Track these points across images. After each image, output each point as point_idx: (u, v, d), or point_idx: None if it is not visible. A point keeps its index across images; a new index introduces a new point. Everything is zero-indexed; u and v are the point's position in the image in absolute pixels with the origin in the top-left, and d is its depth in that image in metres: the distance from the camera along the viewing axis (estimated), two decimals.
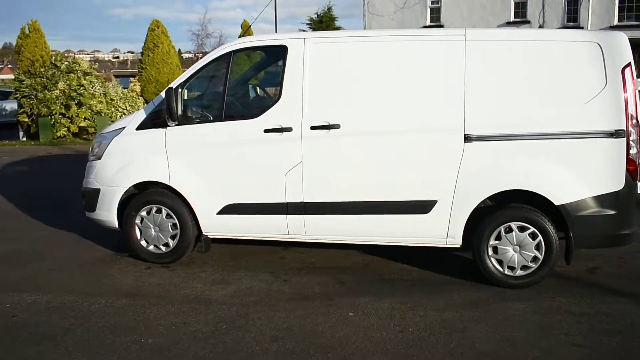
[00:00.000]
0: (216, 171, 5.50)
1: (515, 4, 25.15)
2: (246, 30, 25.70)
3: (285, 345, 4.09)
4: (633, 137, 4.84)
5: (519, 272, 5.06)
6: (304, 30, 46.31)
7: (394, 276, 5.46)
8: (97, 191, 5.86)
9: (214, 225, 5.61)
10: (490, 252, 5.09)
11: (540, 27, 23.55)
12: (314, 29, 45.69)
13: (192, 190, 5.55)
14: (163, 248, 5.73)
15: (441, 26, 26.81)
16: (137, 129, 5.71)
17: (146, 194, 5.70)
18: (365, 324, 4.43)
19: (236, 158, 5.44)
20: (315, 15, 45.36)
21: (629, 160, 4.85)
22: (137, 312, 4.64)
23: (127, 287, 5.21)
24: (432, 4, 27.76)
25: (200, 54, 41.77)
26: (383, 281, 5.34)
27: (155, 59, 19.16)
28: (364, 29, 29.38)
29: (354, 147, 5.20)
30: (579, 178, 4.89)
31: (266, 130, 5.32)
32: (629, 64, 4.84)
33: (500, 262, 5.09)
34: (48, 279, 5.44)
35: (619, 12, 22.87)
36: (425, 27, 27.25)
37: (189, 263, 5.76)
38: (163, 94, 5.59)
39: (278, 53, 5.42)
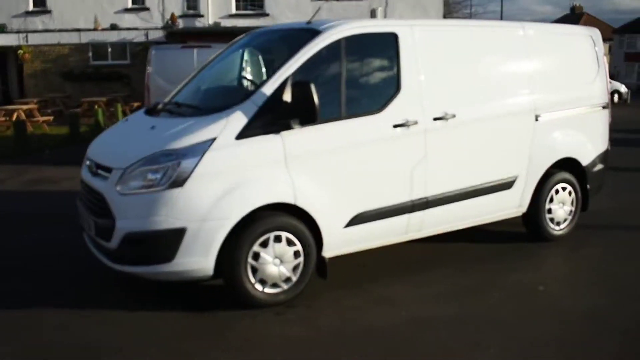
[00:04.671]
0: (343, 178, 4.69)
1: None
2: None
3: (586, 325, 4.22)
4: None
5: (562, 225, 6.14)
6: None
7: (465, 256, 5.71)
8: (181, 232, 4.17)
9: (338, 242, 4.78)
10: (547, 213, 5.99)
11: (171, 17, 23.72)
12: None
13: (318, 206, 4.58)
14: (284, 285, 4.53)
15: (48, 12, 24.02)
16: (238, 137, 4.30)
17: (264, 221, 4.37)
18: (570, 290, 4.84)
19: (363, 159, 4.76)
20: None
21: (609, 126, 6.47)
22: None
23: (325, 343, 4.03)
24: None
25: None
26: (474, 260, 5.58)
27: None
28: None
29: (465, 135, 5.27)
30: (590, 142, 6.24)
31: (395, 126, 4.85)
32: (604, 53, 6.41)
33: (552, 219, 6.05)
34: None
35: (236, 1, 25.11)
36: (28, 12, 24.02)
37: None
38: (267, 89, 4.38)
39: (388, 41, 4.92)
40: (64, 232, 6.23)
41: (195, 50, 10.73)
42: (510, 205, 5.77)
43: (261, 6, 25.39)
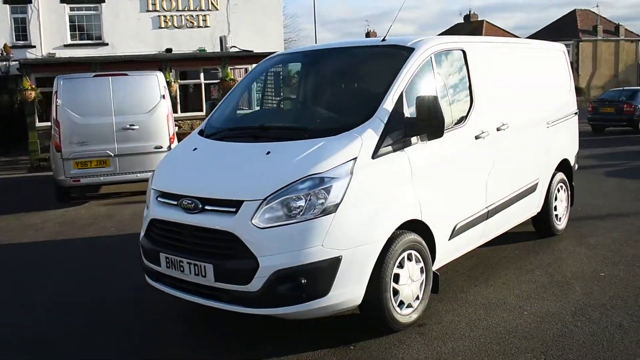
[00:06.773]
0: (447, 191, 4.78)
1: None
2: None
3: None
4: None
5: (562, 220, 6.84)
6: None
7: (504, 257, 6.10)
8: (337, 261, 3.92)
9: (444, 255, 4.85)
10: (554, 210, 6.63)
11: (4, 47, 21.04)
12: None
13: (435, 221, 4.61)
14: (415, 304, 4.45)
15: None
16: (373, 156, 4.17)
17: (401, 241, 4.26)
18: (623, 272, 5.45)
19: (458, 171, 4.92)
20: None
21: None
22: None
23: None
24: None
25: None
26: (516, 259, 5.99)
27: None
28: None
29: (514, 144, 5.68)
30: (569, 144, 7.07)
31: (476, 137, 5.07)
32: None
33: (556, 216, 6.71)
34: None
35: (71, 30, 23.17)
36: None
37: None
38: (388, 105, 4.33)
39: (459, 56, 5.13)
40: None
41: (110, 79, 9.82)
42: (533, 206, 6.30)
43: (99, 36, 23.85)
